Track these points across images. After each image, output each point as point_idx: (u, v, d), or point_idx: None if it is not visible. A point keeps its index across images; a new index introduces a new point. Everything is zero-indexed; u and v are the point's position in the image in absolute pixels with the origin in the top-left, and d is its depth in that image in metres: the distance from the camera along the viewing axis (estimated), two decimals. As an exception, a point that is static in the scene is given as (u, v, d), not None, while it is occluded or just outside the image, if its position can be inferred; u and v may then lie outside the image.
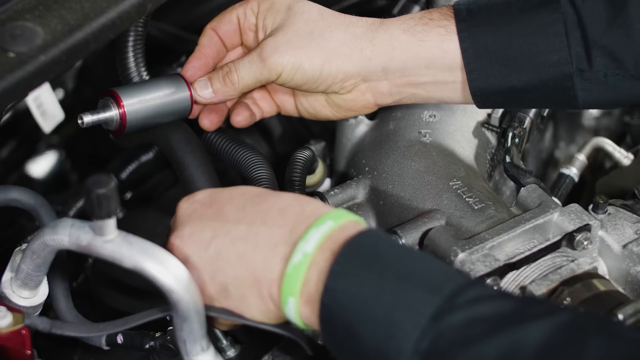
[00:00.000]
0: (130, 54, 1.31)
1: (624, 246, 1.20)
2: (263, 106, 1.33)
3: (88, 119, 1.20)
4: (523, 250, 1.16)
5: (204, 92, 1.24)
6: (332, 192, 1.31)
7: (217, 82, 1.24)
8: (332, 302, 0.90)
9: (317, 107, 1.29)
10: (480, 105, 1.24)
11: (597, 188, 1.45)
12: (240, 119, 1.29)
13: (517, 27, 1.18)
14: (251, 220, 0.99)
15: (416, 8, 1.52)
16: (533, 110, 1.37)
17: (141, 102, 1.22)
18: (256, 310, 0.99)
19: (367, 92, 1.23)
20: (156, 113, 1.24)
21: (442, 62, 1.19)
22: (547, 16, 1.17)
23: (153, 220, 1.27)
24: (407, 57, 1.19)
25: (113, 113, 1.21)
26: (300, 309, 0.94)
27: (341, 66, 1.19)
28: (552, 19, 1.17)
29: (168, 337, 1.16)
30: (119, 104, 1.21)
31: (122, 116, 1.21)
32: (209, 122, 1.29)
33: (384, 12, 1.57)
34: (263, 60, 1.19)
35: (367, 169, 1.33)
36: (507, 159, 1.31)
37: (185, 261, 0.99)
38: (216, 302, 1.01)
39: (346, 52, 1.18)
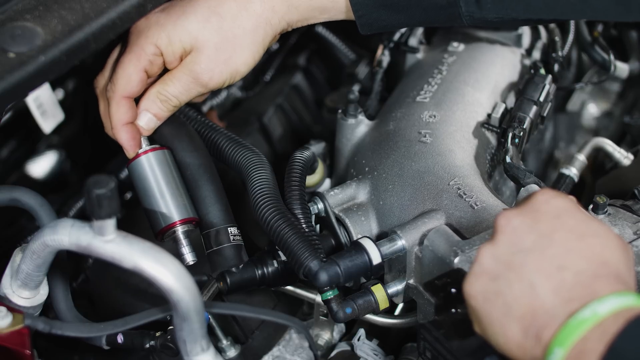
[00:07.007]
0: None
1: (624, 246, 1.19)
2: None
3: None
4: (523, 251, 1.16)
5: (151, 125, 1.26)
6: (332, 192, 1.31)
7: (159, 111, 1.25)
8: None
9: None
10: (366, 32, 1.32)
11: (597, 188, 1.45)
12: None
13: None
14: (569, 258, 0.94)
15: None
16: (533, 110, 1.37)
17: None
18: (507, 339, 0.94)
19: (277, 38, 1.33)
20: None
21: (333, 8, 1.30)
22: None
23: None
24: (303, 10, 1.28)
25: None
26: None
27: (262, 44, 1.27)
28: None
29: (168, 337, 1.16)
30: None
31: None
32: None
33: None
34: (204, 86, 1.24)
35: (367, 169, 1.33)
36: (507, 159, 1.31)
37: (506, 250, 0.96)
38: (488, 298, 0.95)
39: (261, 33, 1.26)
